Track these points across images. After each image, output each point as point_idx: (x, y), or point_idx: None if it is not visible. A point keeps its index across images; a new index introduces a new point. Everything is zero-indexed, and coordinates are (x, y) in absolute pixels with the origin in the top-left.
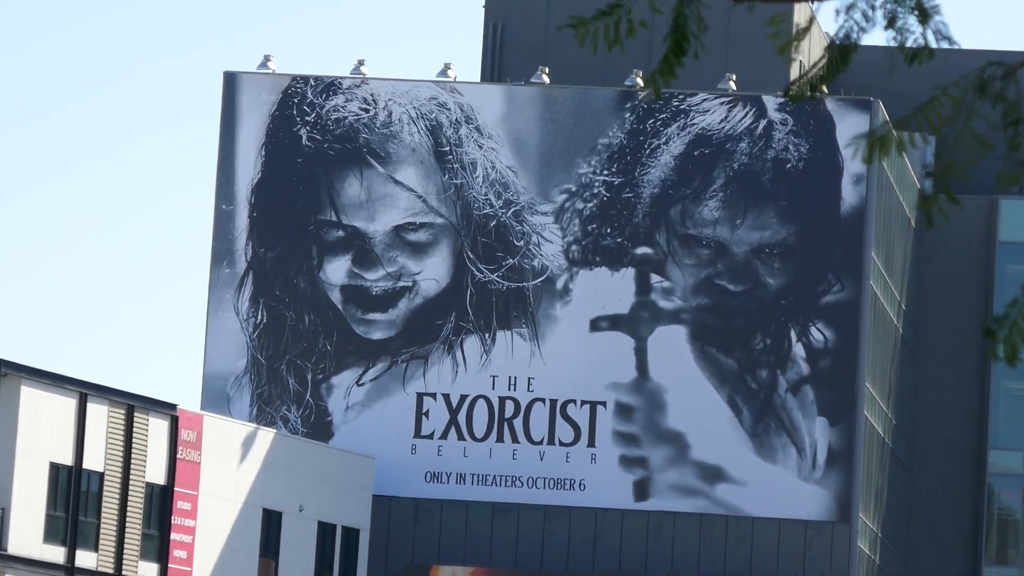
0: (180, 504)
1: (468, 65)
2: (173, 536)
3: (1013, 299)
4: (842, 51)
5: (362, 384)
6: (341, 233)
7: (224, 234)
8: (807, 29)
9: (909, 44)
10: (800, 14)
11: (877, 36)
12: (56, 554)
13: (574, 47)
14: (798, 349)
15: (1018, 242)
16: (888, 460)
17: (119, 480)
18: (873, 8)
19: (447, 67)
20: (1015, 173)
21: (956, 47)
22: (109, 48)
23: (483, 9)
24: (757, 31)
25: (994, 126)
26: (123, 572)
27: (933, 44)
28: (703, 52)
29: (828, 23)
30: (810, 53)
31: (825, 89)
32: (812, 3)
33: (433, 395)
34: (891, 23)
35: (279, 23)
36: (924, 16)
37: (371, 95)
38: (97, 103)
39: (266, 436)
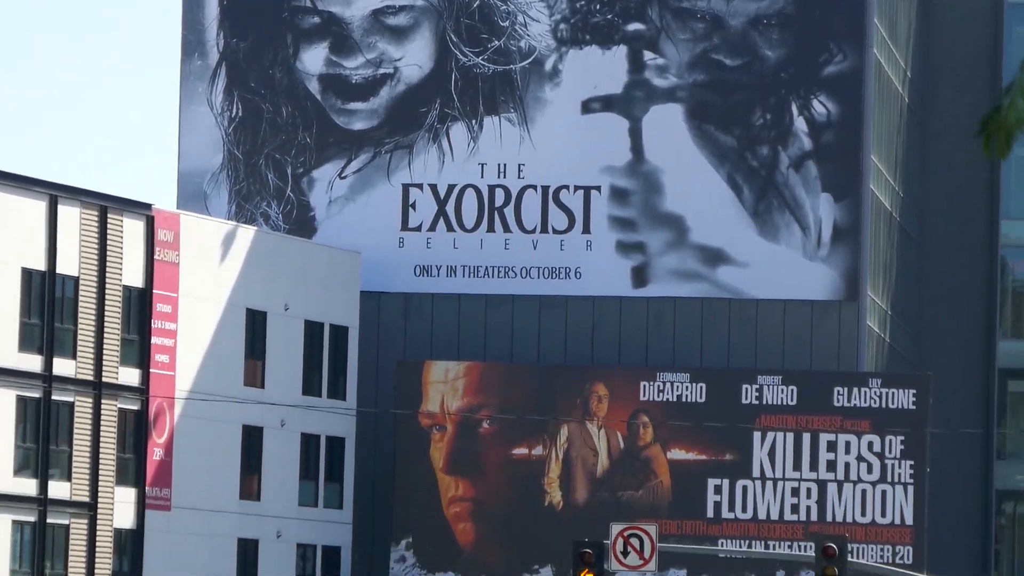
0: (160, 307)
1: None
2: (154, 340)
3: (1021, 61)
4: None
5: (345, 177)
6: (317, 19)
7: (194, 23)
8: None
9: None
10: None
11: None
12: (33, 363)
13: None
14: (800, 123)
15: None
16: (896, 235)
17: (95, 284)
18: None
19: None
20: None
21: None
22: None
23: None
24: None
25: None
26: (103, 379)
27: None
28: None
29: None
30: None
31: None
32: None
33: (419, 186)
34: None
35: None
36: None
37: None
38: None
39: (246, 234)
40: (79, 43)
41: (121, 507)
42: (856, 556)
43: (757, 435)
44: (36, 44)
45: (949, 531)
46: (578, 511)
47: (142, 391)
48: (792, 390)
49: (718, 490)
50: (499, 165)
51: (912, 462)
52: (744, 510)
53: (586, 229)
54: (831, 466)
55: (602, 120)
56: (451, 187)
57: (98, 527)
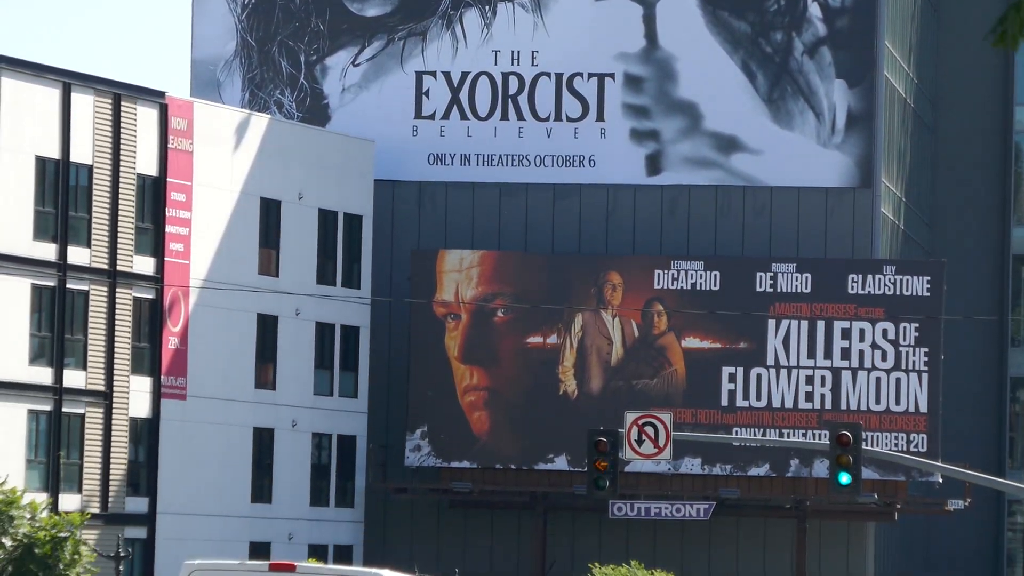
0: (174, 195)
1: None
2: (168, 228)
3: None
4: None
5: (358, 64)
6: None
7: None
8: None
9: None
10: None
11: None
12: (47, 251)
13: None
14: (814, 8)
15: None
16: (910, 121)
17: (109, 172)
18: None
19: None
20: None
21: None
22: None
23: None
24: None
25: None
26: (117, 267)
27: None
28: None
29: None
30: None
31: None
32: None
33: (433, 73)
34: None
35: None
36: None
37: None
38: None
39: (260, 122)
40: None
41: (136, 396)
42: (870, 444)
43: (771, 323)
44: None
45: (963, 419)
46: (592, 400)
47: (157, 280)
48: (806, 277)
49: (732, 378)
50: (512, 52)
51: (926, 349)
52: (758, 398)
53: (600, 117)
54: (845, 354)
55: (616, 6)
56: (464, 75)
57: (113, 416)
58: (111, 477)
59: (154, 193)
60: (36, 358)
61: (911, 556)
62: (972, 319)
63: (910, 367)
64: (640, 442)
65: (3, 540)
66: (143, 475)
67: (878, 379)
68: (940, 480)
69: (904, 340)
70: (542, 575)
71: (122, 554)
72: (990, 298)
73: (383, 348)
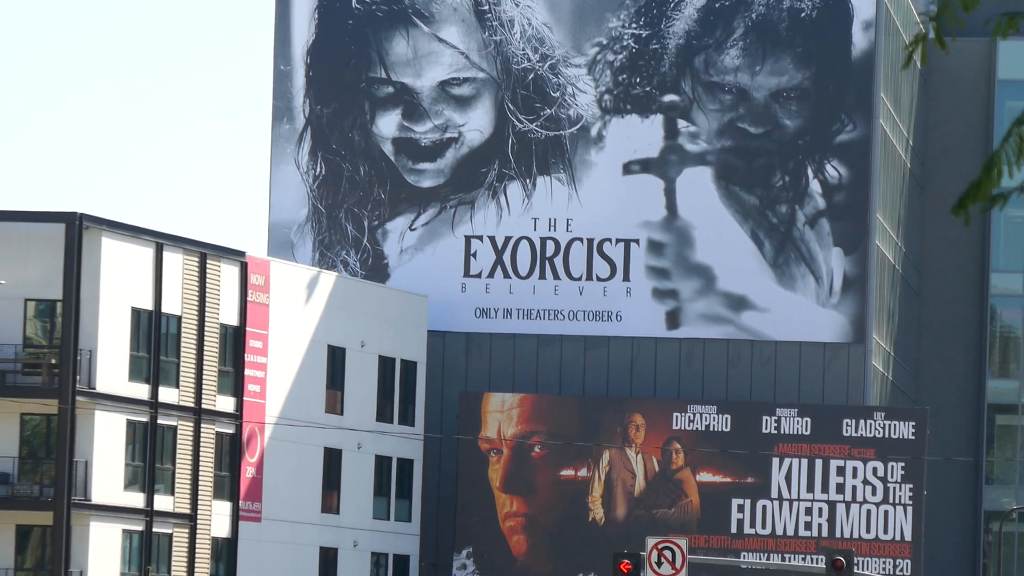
0: (252, 343)
1: None
2: (247, 372)
3: (1004, 135)
4: None
5: (414, 229)
6: (391, 89)
7: (283, 93)
8: None
9: None
10: None
11: None
12: (141, 391)
13: None
14: (814, 185)
15: (1016, 79)
16: (899, 285)
17: (195, 322)
18: None
19: None
20: (1013, 18)
21: None
22: None
23: None
24: None
25: None
26: (202, 405)
27: None
28: None
29: None
30: None
31: None
32: None
33: (480, 237)
34: None
35: None
36: None
37: None
38: None
39: (328, 278)
40: (189, 111)
41: (218, 518)
42: (861, 568)
43: (775, 460)
44: (150, 113)
45: (943, 547)
46: (618, 526)
47: (236, 417)
48: (807, 421)
49: (741, 509)
50: (550, 220)
51: (911, 486)
52: (764, 527)
53: (626, 277)
54: (840, 488)
55: (640, 180)
56: (507, 239)
57: (198, 536)
58: None
59: (235, 341)
60: (130, 484)
61: None
62: (952, 460)
63: (896, 501)
64: (660, 564)
65: None
66: None
67: (868, 511)
68: None
69: (891, 477)
70: None
71: None
72: (968, 442)
73: (434, 478)
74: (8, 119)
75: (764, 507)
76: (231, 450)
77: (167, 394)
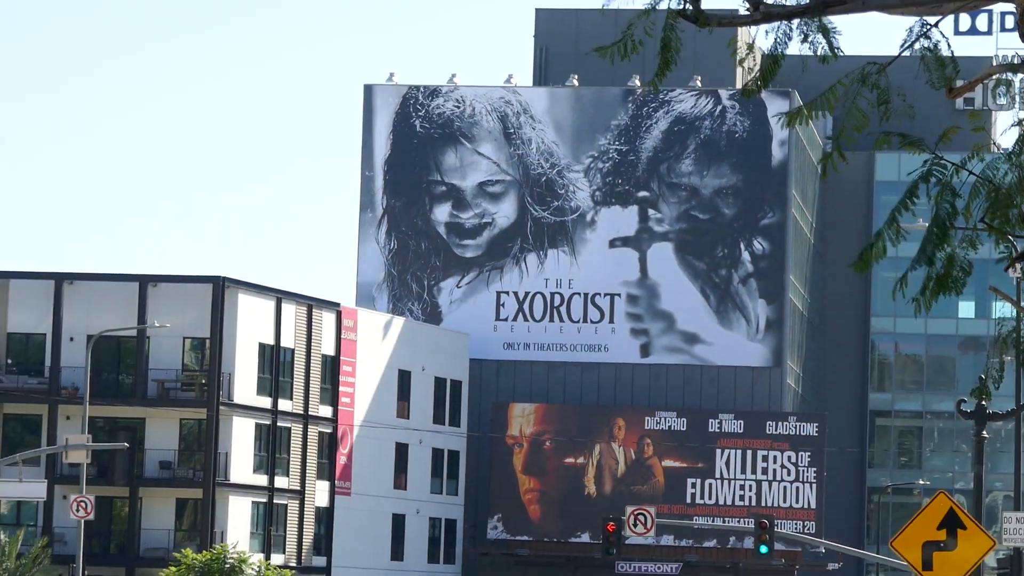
0: (344, 368)
1: (524, 74)
2: (341, 389)
3: (887, 218)
4: (773, 59)
5: (460, 287)
6: (444, 188)
7: (368, 191)
8: (752, 45)
9: (818, 53)
10: (743, 34)
11: (794, 47)
12: (265, 402)
13: (595, 61)
14: (745, 255)
15: (889, 180)
16: (805, 325)
17: (304, 353)
18: (791, 29)
19: (510, 77)
20: (887, 136)
21: (843, 54)
22: (291, 59)
23: (533, 39)
24: (715, 46)
25: (872, 104)
26: (309, 413)
27: (830, 52)
28: (679, 62)
29: (764, 41)
30: (754, 60)
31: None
32: (751, 27)
33: (507, 292)
34: (805, 39)
35: (399, 49)
36: (825, 33)
37: (461, 97)
38: (288, 101)
39: (399, 322)
40: (298, 205)
41: (320, 493)
42: (780, 528)
43: (719, 451)
44: (273, 206)
45: (838, 513)
46: (605, 498)
47: (333, 421)
48: (740, 423)
49: (694, 486)
50: (557, 280)
51: (815, 469)
52: (710, 498)
53: (611, 320)
54: (764, 471)
55: (622, 252)
56: (527, 293)
57: (305, 506)
58: (303, 544)
59: (332, 366)
60: (257, 469)
61: None
62: (844, 450)
63: (804, 480)
64: (635, 525)
65: None
66: (323, 544)
67: (784, 487)
68: (823, 550)
69: (801, 463)
70: None
71: None
72: (856, 437)
73: (474, 464)
74: (171, 200)
75: (710, 484)
76: (329, 444)
77: (284, 404)
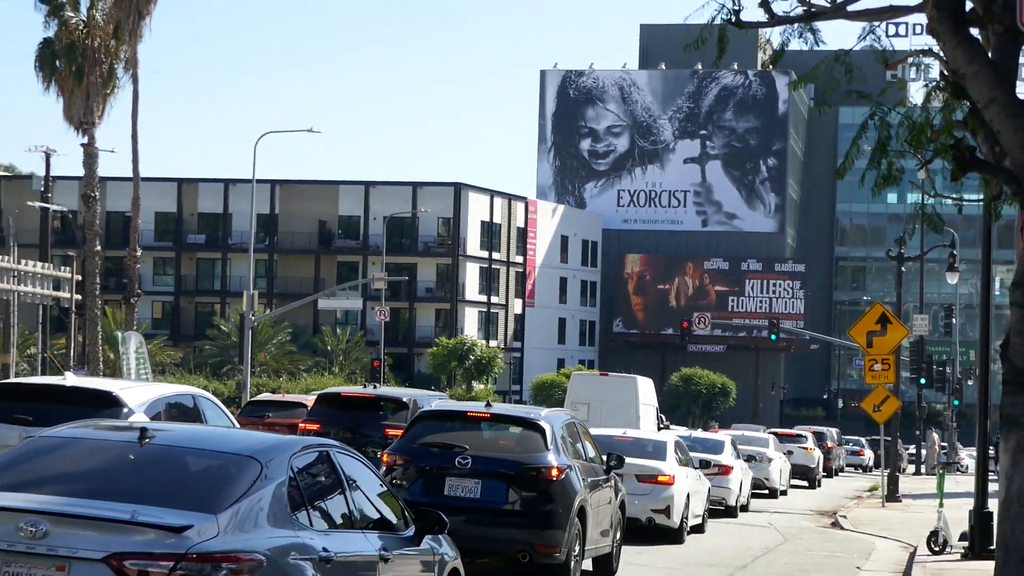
0: (530, 233)
1: (632, 62)
2: (528, 246)
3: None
4: (780, 49)
5: (596, 187)
6: (586, 129)
7: (543, 131)
8: (767, 40)
9: (808, 45)
10: (762, 34)
11: (794, 43)
12: (484, 254)
13: (675, 53)
14: (763, 167)
15: (848, 124)
16: (797, 208)
17: (507, 225)
18: (792, 30)
19: (624, 64)
20: (849, 94)
21: (824, 45)
22: (503, 54)
23: (639, 40)
24: (746, 40)
25: (841, 76)
26: (510, 260)
27: (815, 44)
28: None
29: (775, 38)
30: (769, 49)
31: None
32: (767, 29)
33: (624, 190)
34: (800, 36)
35: (560, 45)
36: (813, 32)
37: (596, 76)
38: (502, 79)
39: (561, 208)
40: (503, 141)
41: (516, 305)
42: (783, 324)
43: (747, 281)
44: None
45: (816, 317)
46: (681, 308)
47: (523, 265)
48: (760, 264)
49: (732, 300)
50: (653, 182)
51: (803, 291)
52: (741, 308)
53: (684, 205)
54: (773, 292)
55: (690, 167)
56: (635, 190)
57: (508, 313)
58: (508, 335)
59: (522, 234)
60: (480, 292)
61: (800, 376)
62: (819, 280)
63: (796, 297)
64: (698, 323)
65: (467, 359)
66: (519, 335)
67: (784, 301)
68: (808, 337)
69: (795, 287)
70: None
71: (507, 361)
72: (826, 272)
73: (605, 288)
74: (432, 134)
75: (742, 300)
76: (521, 278)
77: (495, 255)
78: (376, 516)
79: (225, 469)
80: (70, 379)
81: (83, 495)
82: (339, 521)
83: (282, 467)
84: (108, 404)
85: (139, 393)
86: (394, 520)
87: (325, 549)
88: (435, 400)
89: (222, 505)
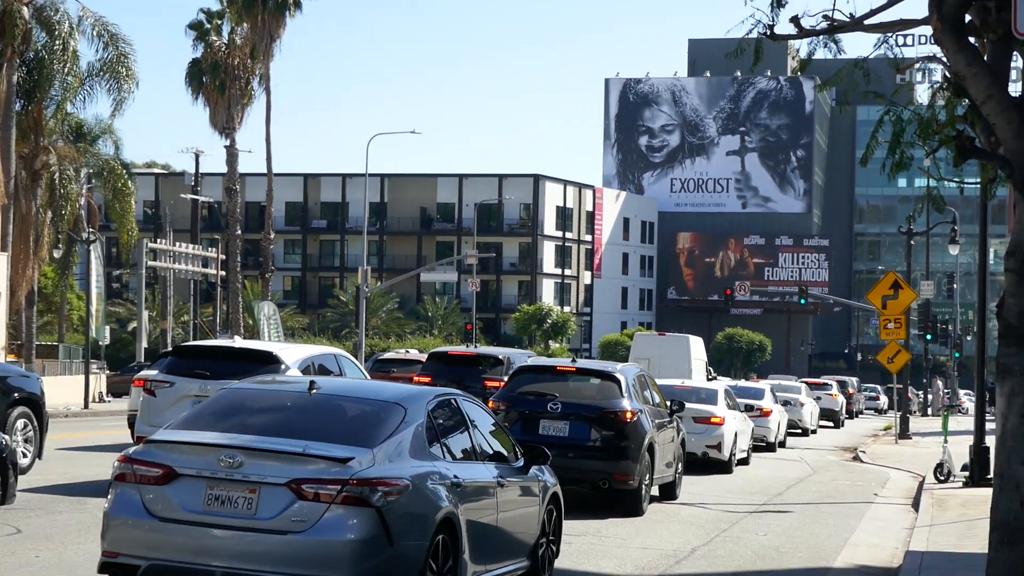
0: (597, 216)
1: (682, 70)
2: (596, 226)
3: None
4: (807, 58)
5: (652, 176)
6: (644, 128)
7: (607, 130)
8: (797, 50)
9: (831, 54)
10: (792, 44)
11: (819, 52)
12: (559, 234)
13: (718, 61)
14: (792, 158)
15: (865, 120)
16: (822, 192)
17: (577, 210)
18: (817, 41)
19: (675, 72)
20: (866, 94)
21: (844, 55)
22: (574, 63)
23: (687, 53)
24: (777, 49)
25: (860, 79)
26: (581, 238)
27: (837, 52)
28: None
29: (803, 48)
30: (797, 57)
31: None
32: (796, 40)
33: (676, 179)
34: (824, 46)
35: (621, 57)
36: (835, 43)
37: (652, 83)
38: (571, 85)
39: (623, 194)
40: (575, 137)
41: (585, 277)
42: (810, 291)
43: (780, 254)
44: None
45: (838, 283)
46: (725, 278)
47: (592, 242)
48: (791, 240)
49: (768, 271)
50: (699, 172)
51: (828, 262)
52: (775, 277)
53: (727, 191)
54: (802, 263)
55: (732, 158)
56: (686, 179)
57: (579, 283)
58: (579, 302)
59: (591, 217)
60: (556, 265)
61: (825, 334)
62: (841, 252)
63: (822, 268)
64: (739, 291)
65: (545, 323)
66: (589, 301)
67: (812, 271)
68: (832, 301)
69: (820, 260)
70: None
71: (578, 324)
72: (848, 246)
73: (660, 262)
74: (511, 129)
75: (776, 271)
76: (590, 255)
77: (568, 234)
78: (493, 450)
79: (377, 413)
80: (238, 342)
81: (268, 434)
82: (464, 454)
83: (420, 411)
84: (269, 362)
85: (293, 353)
86: (506, 453)
87: (456, 476)
88: (525, 357)
89: (376, 441)
